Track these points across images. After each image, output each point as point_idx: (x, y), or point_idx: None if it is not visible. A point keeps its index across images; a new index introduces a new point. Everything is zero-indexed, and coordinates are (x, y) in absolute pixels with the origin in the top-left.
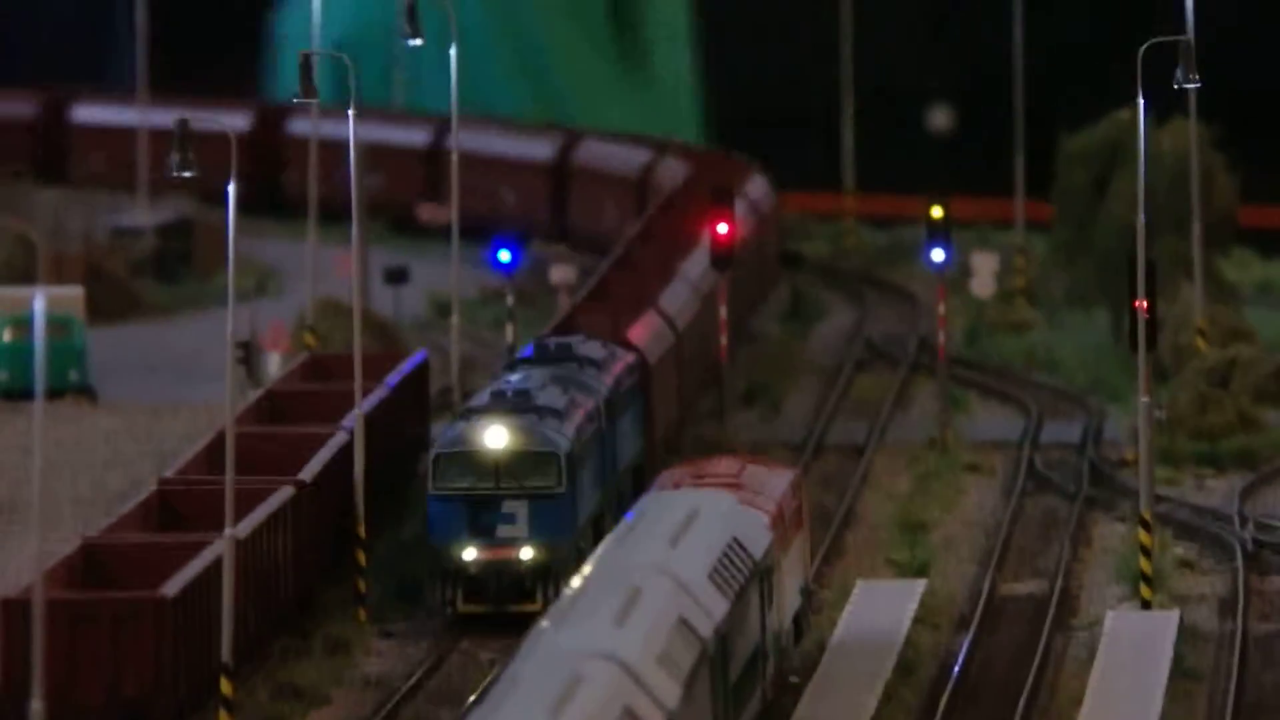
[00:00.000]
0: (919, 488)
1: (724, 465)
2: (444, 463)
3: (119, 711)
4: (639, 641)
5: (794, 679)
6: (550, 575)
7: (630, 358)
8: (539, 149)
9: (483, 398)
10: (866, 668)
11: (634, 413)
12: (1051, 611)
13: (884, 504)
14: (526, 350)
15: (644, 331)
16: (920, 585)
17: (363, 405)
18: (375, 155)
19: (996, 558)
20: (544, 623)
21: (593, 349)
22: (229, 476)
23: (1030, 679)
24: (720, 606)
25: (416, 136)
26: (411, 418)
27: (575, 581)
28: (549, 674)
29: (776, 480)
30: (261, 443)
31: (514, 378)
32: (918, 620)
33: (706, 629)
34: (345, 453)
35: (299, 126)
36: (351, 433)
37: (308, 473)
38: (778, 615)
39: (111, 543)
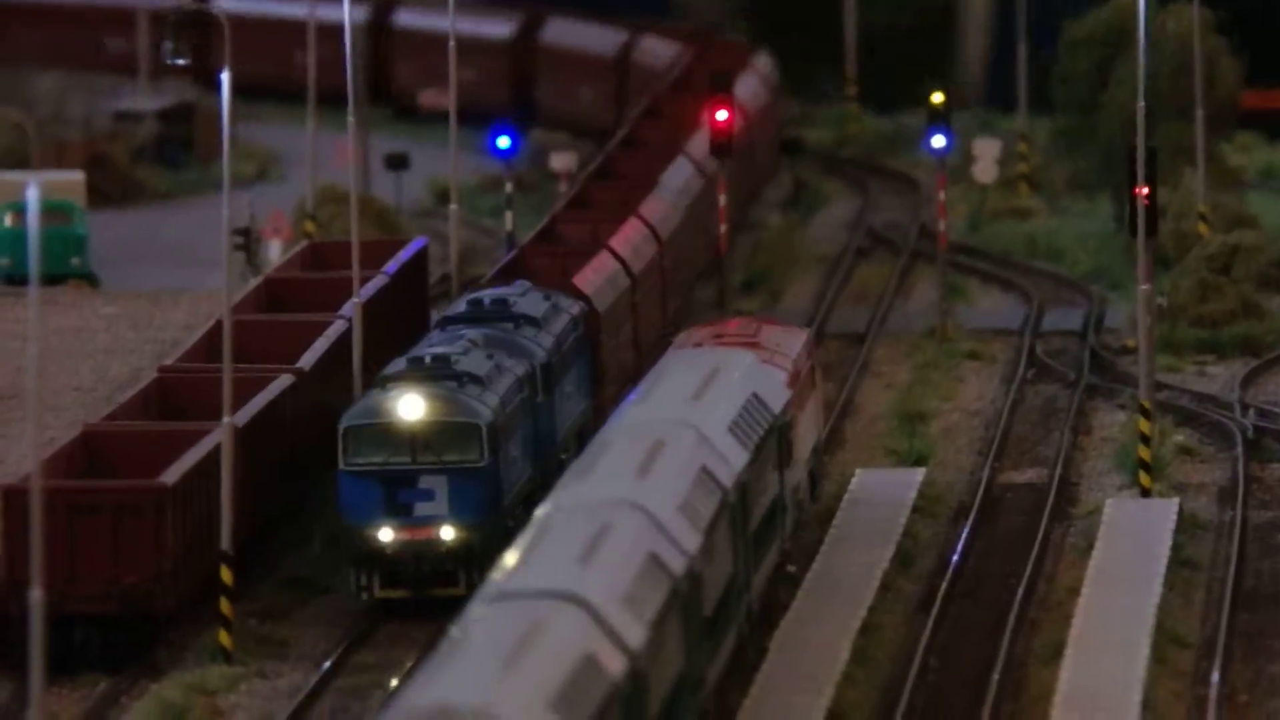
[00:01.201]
0: (919, 377)
1: (740, 326)
2: (355, 436)
3: (119, 601)
4: (661, 491)
5: (791, 569)
6: (474, 557)
7: (575, 309)
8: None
9: (399, 364)
10: (865, 558)
11: (579, 371)
12: (1050, 500)
13: (883, 393)
14: (459, 304)
15: (597, 273)
16: (919, 474)
17: (361, 293)
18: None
19: (996, 447)
20: (569, 475)
21: (532, 303)
22: (226, 364)
23: (1028, 569)
24: (740, 458)
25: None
26: (411, 305)
27: (600, 435)
28: (579, 521)
29: (791, 340)
30: (260, 331)
31: (437, 340)
32: (916, 510)
33: (727, 479)
34: (344, 341)
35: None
36: (350, 320)
37: (306, 361)
38: (795, 470)
39: (111, 431)
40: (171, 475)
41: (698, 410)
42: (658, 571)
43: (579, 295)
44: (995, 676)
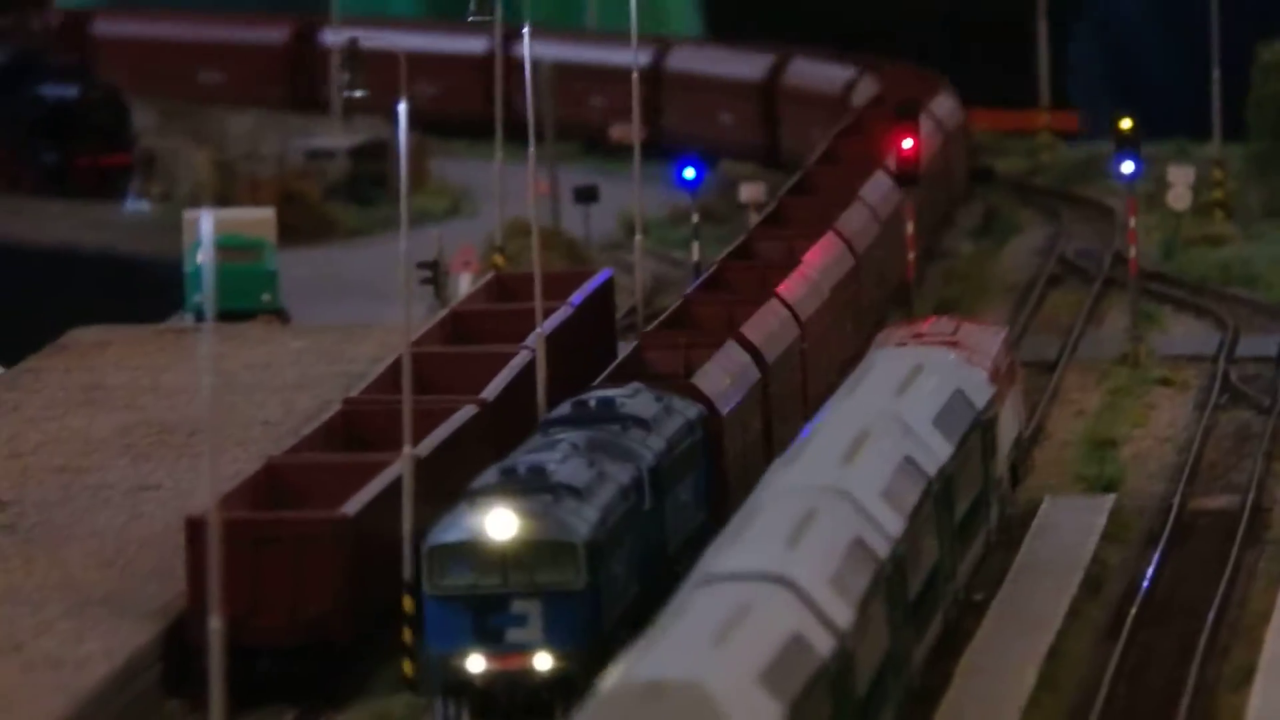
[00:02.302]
0: (1109, 403)
1: (940, 325)
2: (441, 557)
3: (301, 632)
4: (866, 479)
5: (978, 597)
6: (572, 688)
7: (691, 412)
8: (750, 68)
9: (490, 475)
10: (1053, 585)
11: (695, 478)
12: (1243, 526)
13: (1074, 420)
14: (562, 408)
15: (718, 370)
16: (1109, 501)
17: (545, 324)
18: (594, 77)
19: (1187, 473)
20: (777, 463)
21: (642, 404)
22: (406, 396)
23: (1219, 594)
24: (945, 449)
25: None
26: (596, 337)
27: (807, 428)
28: (788, 504)
29: (991, 338)
30: (445, 363)
31: (535, 447)
32: (1105, 536)
33: (931, 468)
34: (528, 372)
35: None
36: (534, 352)
37: (489, 392)
38: (998, 464)
39: (295, 463)
40: (353, 506)
41: (902, 404)
42: (863, 555)
43: (697, 396)
44: (1185, 702)
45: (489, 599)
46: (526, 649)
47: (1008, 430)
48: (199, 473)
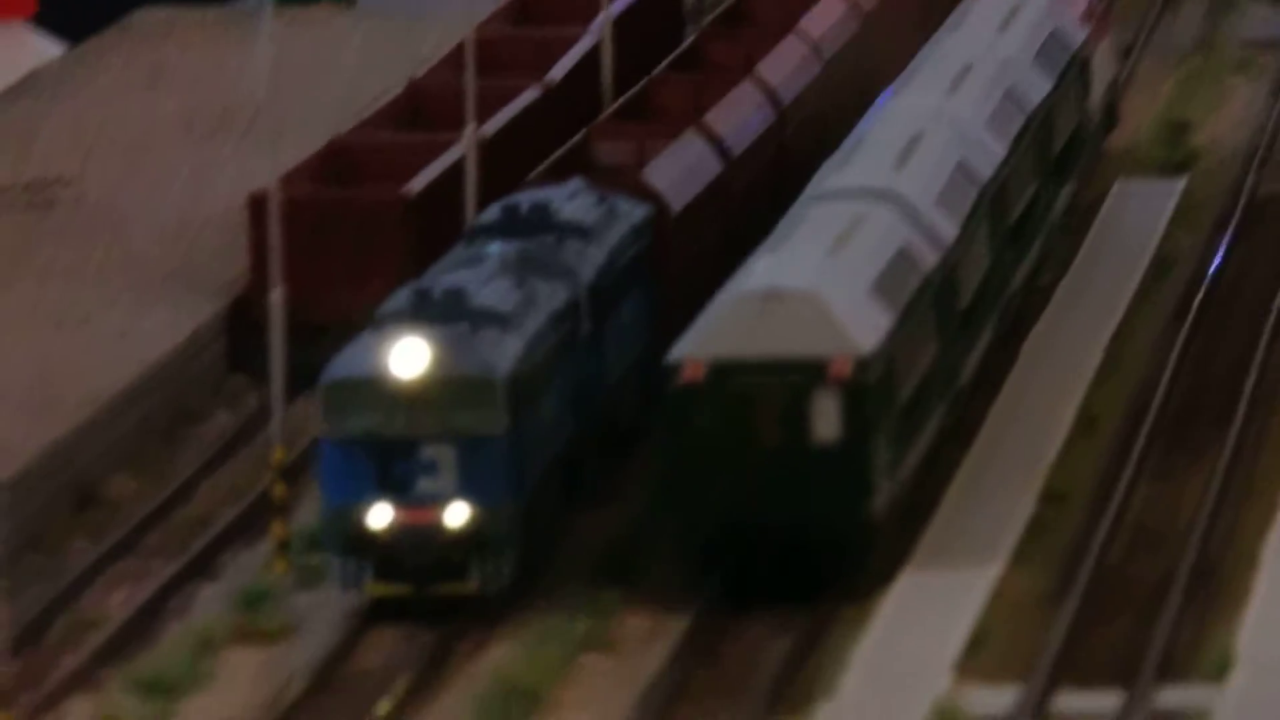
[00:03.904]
0: (1184, 89)
1: None
2: (339, 395)
3: (362, 310)
4: (969, 108)
5: (1045, 279)
6: (488, 545)
7: (638, 215)
8: None
9: (400, 299)
10: (1121, 267)
11: (640, 294)
12: None
13: (1147, 105)
14: (491, 211)
15: (672, 162)
16: (1180, 184)
17: (612, 7)
18: None
19: (1259, 158)
20: (890, 90)
21: (582, 208)
22: (470, 75)
23: None
24: (1045, 84)
25: None
26: (663, 24)
27: (911, 64)
28: (896, 127)
29: None
30: (510, 45)
31: (458, 262)
32: (1175, 219)
33: (1030, 104)
34: (593, 56)
35: None
36: (599, 36)
37: (554, 75)
38: (1091, 103)
39: (359, 142)
40: (416, 185)
41: (1001, 40)
42: (966, 175)
43: (646, 193)
44: (1249, 381)
45: (395, 444)
46: (437, 500)
47: (1101, 73)
48: (262, 154)
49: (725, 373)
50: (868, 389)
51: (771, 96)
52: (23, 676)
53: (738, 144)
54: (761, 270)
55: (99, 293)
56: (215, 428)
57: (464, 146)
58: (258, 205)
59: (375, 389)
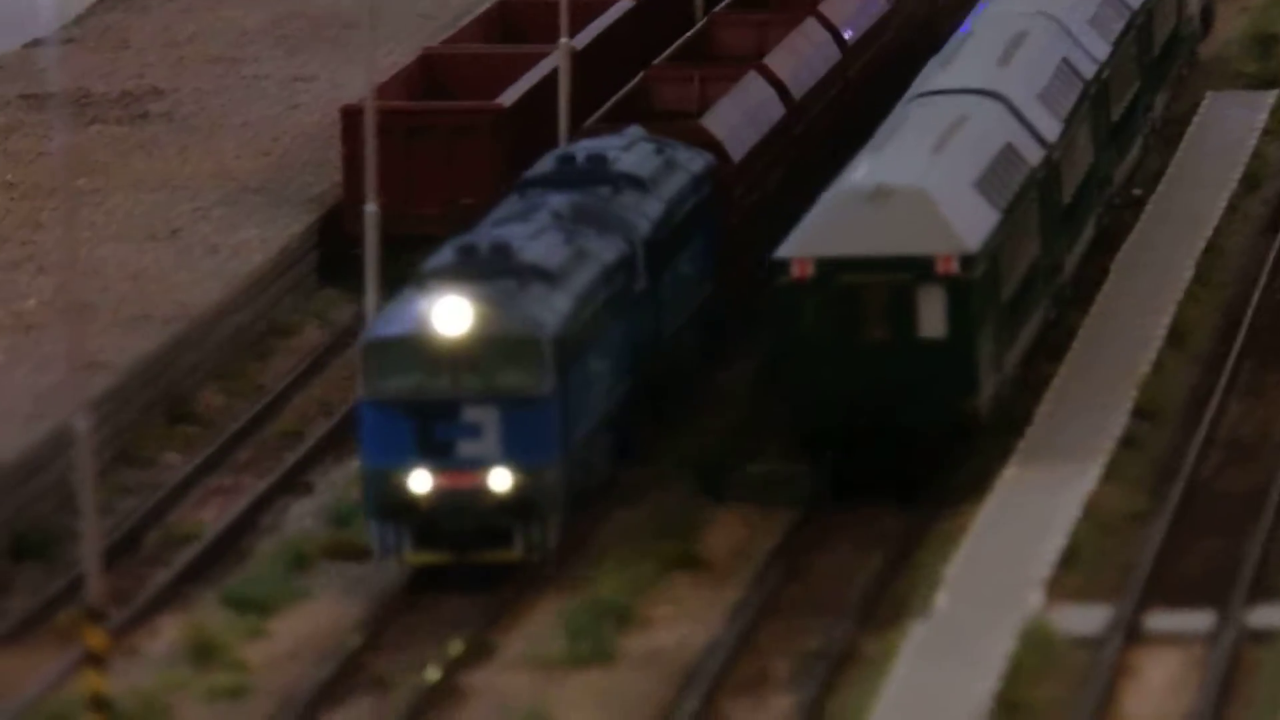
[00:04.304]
0: (1273, 2)
1: None
2: (379, 354)
3: (455, 222)
4: (1068, 4)
5: (1137, 191)
6: (533, 511)
7: (697, 164)
8: None
9: (446, 254)
10: (1212, 180)
11: (700, 245)
12: None
13: (1238, 17)
14: (544, 162)
15: (733, 107)
16: (1270, 97)
17: None
18: None
19: None
20: None
21: (638, 158)
22: None
23: None
24: None
25: None
26: None
27: None
28: (996, 32)
29: None
30: None
31: (508, 216)
32: (1266, 132)
33: (1132, 5)
34: None
35: None
36: None
37: None
38: (1188, 8)
39: (450, 54)
40: (509, 97)
41: None
42: (1070, 75)
43: (706, 140)
44: None
45: (436, 405)
46: (480, 465)
47: None
48: (354, 65)
49: (832, 269)
50: (973, 285)
51: (835, 35)
52: (115, 592)
53: (800, 86)
54: (867, 168)
55: (191, 205)
56: (306, 342)
57: (557, 58)
58: (351, 117)
59: (417, 348)
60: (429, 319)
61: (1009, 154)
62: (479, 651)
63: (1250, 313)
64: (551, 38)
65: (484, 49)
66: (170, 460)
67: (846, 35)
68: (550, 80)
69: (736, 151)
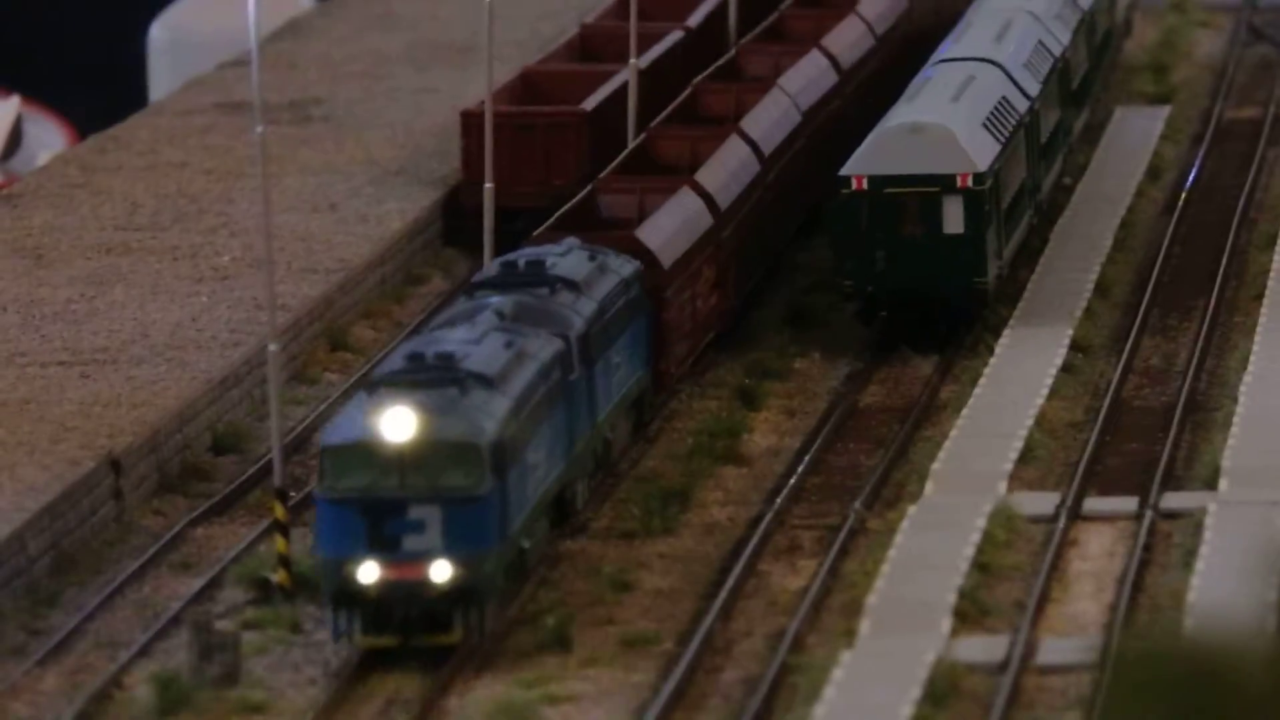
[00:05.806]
0: (1164, 39)
1: None
2: (334, 458)
3: (549, 198)
4: (1041, 2)
5: (1068, 180)
6: (472, 598)
7: (627, 269)
8: None
9: (395, 361)
10: (1124, 173)
11: (631, 335)
12: (1266, 129)
13: (1138, 52)
14: (491, 268)
15: (668, 218)
16: (1165, 111)
17: None
18: None
19: (1224, 91)
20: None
21: (574, 264)
22: (633, 21)
23: (1249, 181)
24: None
25: None
26: None
27: None
28: (993, 16)
29: None
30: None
31: (456, 317)
32: (1163, 137)
33: (1084, 6)
34: (723, 6)
35: None
36: None
37: (693, 20)
38: (1117, 13)
39: (544, 71)
40: (590, 104)
41: None
42: (1044, 50)
43: (638, 249)
44: (1224, 259)
45: (384, 503)
46: (424, 557)
47: None
48: (469, 78)
49: (881, 183)
50: (983, 195)
51: (755, 149)
52: (292, 478)
53: (727, 197)
54: (904, 111)
55: (345, 185)
56: (433, 289)
57: (626, 74)
58: (468, 118)
59: (368, 452)
60: (379, 426)
61: (1005, 104)
62: (575, 528)
63: (1155, 272)
64: (622, 59)
65: (569, 67)
66: (331, 379)
67: (764, 149)
68: (621, 91)
69: (667, 258)
